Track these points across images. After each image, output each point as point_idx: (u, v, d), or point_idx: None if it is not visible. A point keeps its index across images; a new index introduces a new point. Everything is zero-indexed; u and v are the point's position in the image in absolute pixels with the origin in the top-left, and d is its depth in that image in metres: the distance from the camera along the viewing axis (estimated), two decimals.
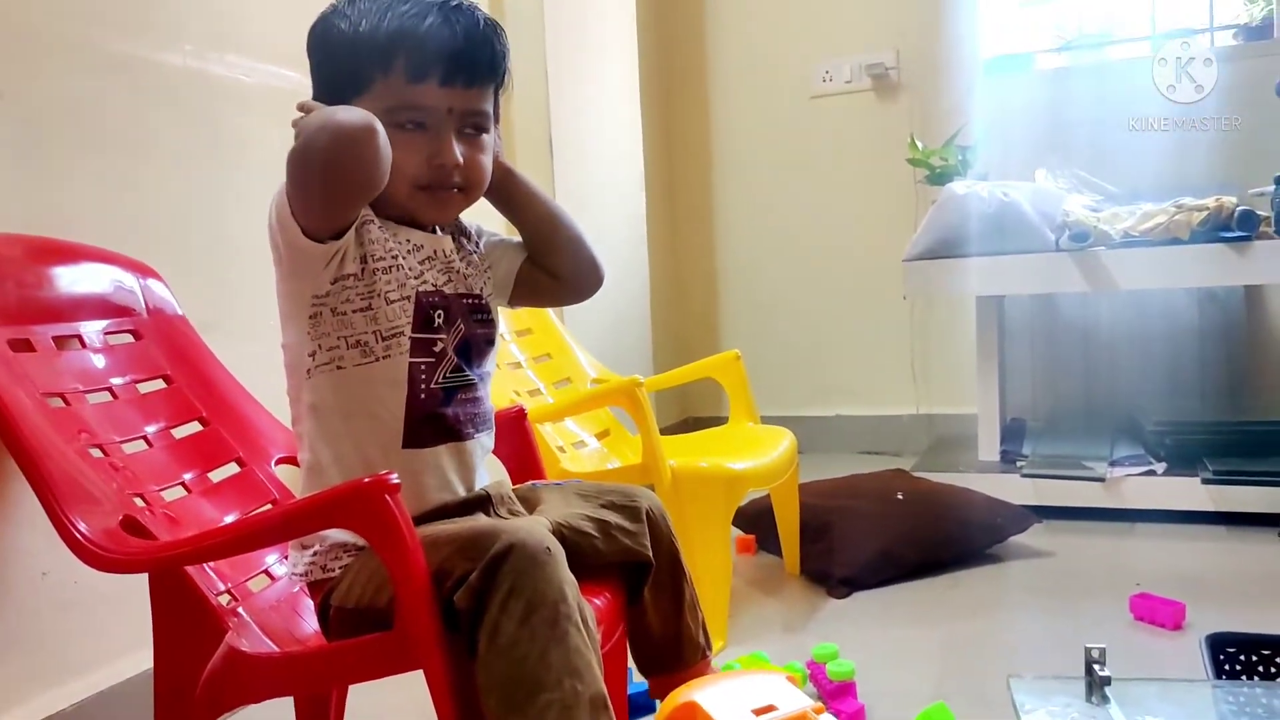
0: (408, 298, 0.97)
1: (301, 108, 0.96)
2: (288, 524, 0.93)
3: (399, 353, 0.96)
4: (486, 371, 1.05)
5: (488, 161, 1.02)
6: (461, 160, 0.97)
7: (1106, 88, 2.81)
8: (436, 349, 0.98)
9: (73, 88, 1.29)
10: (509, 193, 1.09)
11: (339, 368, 0.95)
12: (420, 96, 0.94)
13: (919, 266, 2.40)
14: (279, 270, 0.96)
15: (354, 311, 0.95)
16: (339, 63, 0.96)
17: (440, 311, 0.99)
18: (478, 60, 0.96)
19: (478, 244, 1.09)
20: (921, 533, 1.98)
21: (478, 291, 1.06)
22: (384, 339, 0.95)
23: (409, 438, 0.97)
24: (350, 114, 0.87)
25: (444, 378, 0.99)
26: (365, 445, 0.96)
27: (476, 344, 1.03)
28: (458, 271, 1.04)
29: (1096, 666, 1.02)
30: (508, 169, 1.08)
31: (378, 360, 0.95)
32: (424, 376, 0.97)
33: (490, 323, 1.07)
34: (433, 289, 1.00)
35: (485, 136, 1.00)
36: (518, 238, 1.13)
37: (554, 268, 1.11)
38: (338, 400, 0.96)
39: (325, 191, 0.89)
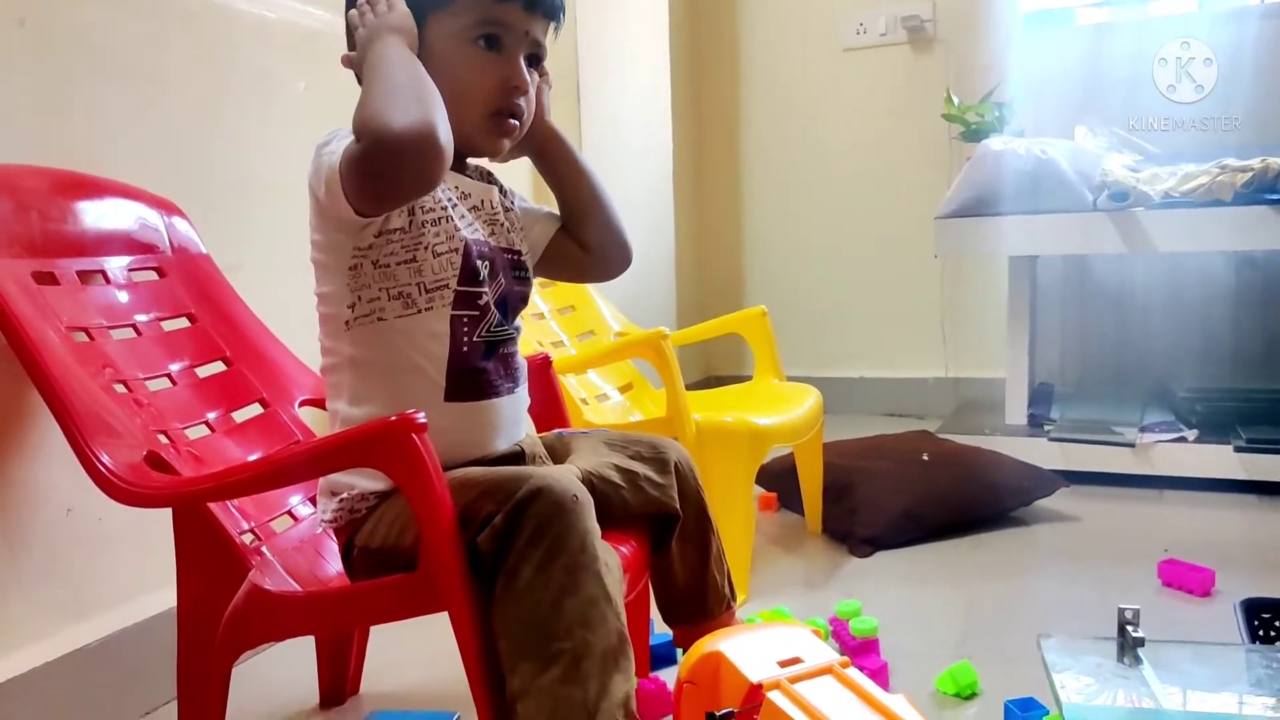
0: (455, 250, 0.95)
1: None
2: (312, 462, 0.92)
3: (442, 305, 0.94)
4: (519, 326, 1.04)
5: (535, 98, 1.01)
6: (529, 88, 0.98)
7: (1149, 44, 2.72)
8: (481, 302, 0.97)
9: (94, 17, 1.26)
10: (555, 156, 1.08)
11: (380, 319, 0.93)
12: (506, 13, 0.95)
13: (952, 224, 2.35)
14: (316, 219, 0.93)
15: (397, 264, 0.93)
16: None
17: (487, 263, 0.98)
18: None
19: (513, 202, 1.08)
20: (946, 494, 1.95)
21: (518, 247, 1.05)
22: (428, 291, 0.94)
23: (451, 391, 0.95)
24: (423, 111, 0.83)
25: (487, 332, 0.97)
26: (407, 399, 0.92)
27: (513, 301, 1.02)
28: (501, 225, 1.03)
29: (1130, 628, 1.00)
30: (555, 131, 1.07)
31: (420, 312, 0.94)
32: (466, 330, 0.96)
33: (527, 281, 1.06)
34: (482, 239, 0.98)
35: (536, 74, 1.01)
36: (548, 208, 1.12)
37: (587, 240, 1.10)
38: (379, 354, 0.94)
39: (392, 193, 0.87)
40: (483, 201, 1.02)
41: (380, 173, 0.84)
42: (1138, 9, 2.97)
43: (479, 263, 0.97)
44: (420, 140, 0.82)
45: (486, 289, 0.97)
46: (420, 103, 0.84)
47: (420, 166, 0.83)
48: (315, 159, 0.90)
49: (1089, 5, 3.02)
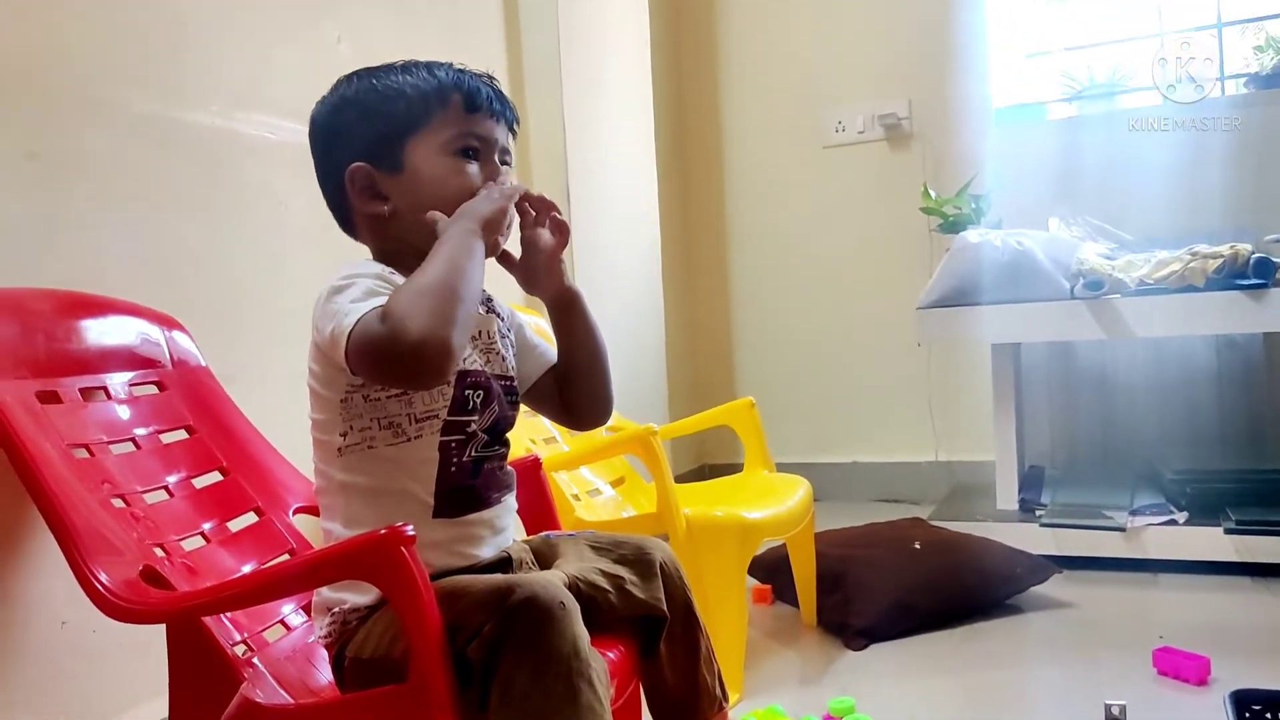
0: (448, 382, 0.97)
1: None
2: (304, 575, 0.94)
3: (431, 433, 0.97)
4: (508, 441, 1.07)
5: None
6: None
7: (1119, 136, 2.83)
8: (469, 429, 1.00)
9: (103, 147, 1.32)
10: (572, 319, 1.11)
11: (370, 447, 0.96)
12: (477, 124, 1.02)
13: (933, 314, 2.41)
14: (315, 352, 0.97)
15: (388, 398, 0.96)
16: (390, 111, 1.00)
17: (480, 393, 1.01)
18: (507, 104, 1.06)
19: (509, 330, 1.11)
20: (939, 583, 1.96)
21: (511, 374, 1.08)
22: (417, 421, 0.97)
23: (439, 509, 0.98)
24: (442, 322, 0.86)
25: (475, 452, 1.01)
26: (395, 520, 0.90)
27: (505, 423, 1.05)
28: (497, 353, 1.06)
29: None
30: (577, 295, 1.11)
31: (409, 440, 0.97)
32: (455, 452, 0.99)
33: (518, 405, 1.09)
34: (478, 369, 1.02)
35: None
36: (545, 347, 1.15)
37: (573, 398, 1.13)
38: (369, 479, 0.97)
39: (392, 383, 0.94)
40: (480, 332, 1.05)
41: (387, 367, 0.87)
42: (1105, 103, 3.09)
43: (470, 393, 1.00)
44: (432, 355, 0.84)
45: (476, 417, 1.00)
46: (447, 312, 0.86)
47: (425, 374, 0.87)
48: (326, 301, 0.92)
49: (1059, 100, 3.14)
